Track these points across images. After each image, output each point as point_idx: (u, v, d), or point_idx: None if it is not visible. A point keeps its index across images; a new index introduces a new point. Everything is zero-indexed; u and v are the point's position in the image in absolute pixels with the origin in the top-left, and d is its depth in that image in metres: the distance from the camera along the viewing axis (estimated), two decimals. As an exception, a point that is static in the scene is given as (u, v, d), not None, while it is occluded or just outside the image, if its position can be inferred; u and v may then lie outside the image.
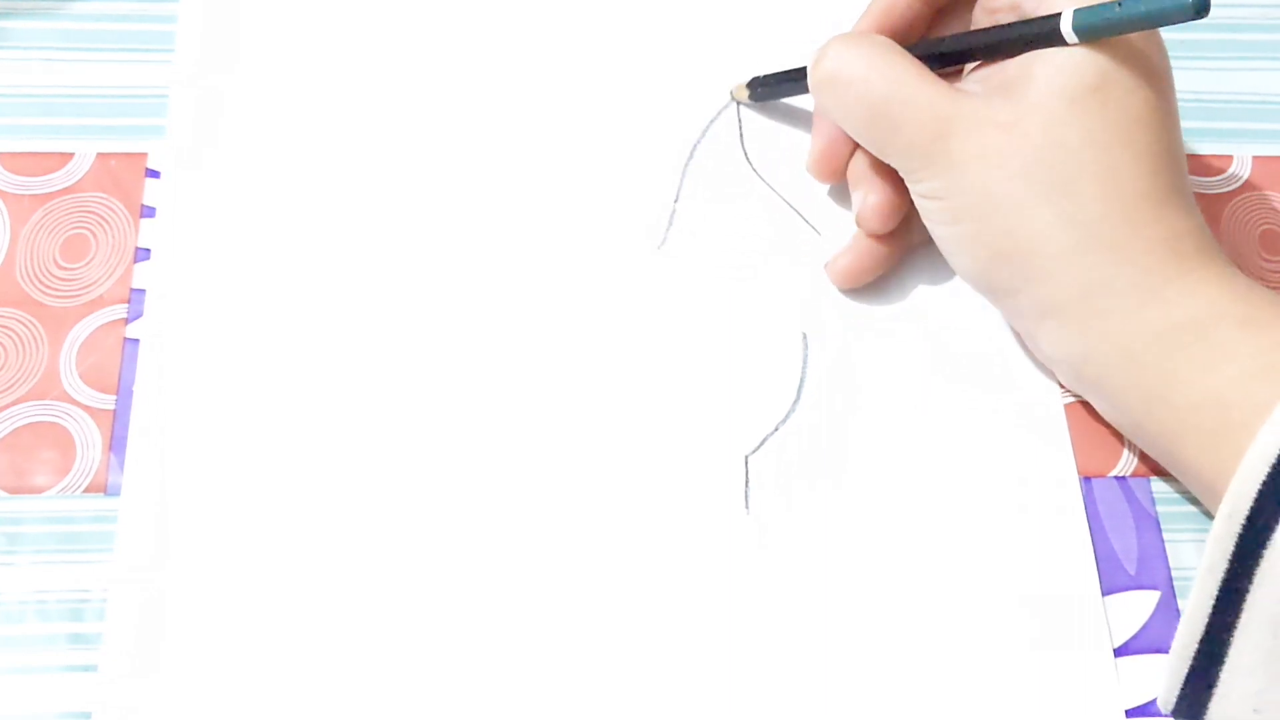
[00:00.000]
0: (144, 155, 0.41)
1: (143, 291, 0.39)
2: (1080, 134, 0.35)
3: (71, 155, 0.41)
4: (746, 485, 0.38)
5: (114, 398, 0.38)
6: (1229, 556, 0.32)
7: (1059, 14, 0.35)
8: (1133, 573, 0.38)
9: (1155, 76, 0.36)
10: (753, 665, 0.36)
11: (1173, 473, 0.38)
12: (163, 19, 0.44)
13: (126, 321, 0.39)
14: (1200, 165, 0.44)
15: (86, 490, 0.37)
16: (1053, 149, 0.35)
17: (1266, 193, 0.44)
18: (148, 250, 0.40)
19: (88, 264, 0.40)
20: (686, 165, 0.43)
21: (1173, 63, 0.37)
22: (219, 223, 0.41)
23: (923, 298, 0.41)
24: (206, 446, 0.37)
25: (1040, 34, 0.36)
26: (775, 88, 0.43)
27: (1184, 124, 0.38)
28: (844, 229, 0.42)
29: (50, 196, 0.41)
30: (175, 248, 0.40)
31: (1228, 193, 0.44)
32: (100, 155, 0.41)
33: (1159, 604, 0.37)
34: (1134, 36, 0.35)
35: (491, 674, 0.35)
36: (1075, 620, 0.37)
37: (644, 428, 0.39)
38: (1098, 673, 0.36)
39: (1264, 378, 0.33)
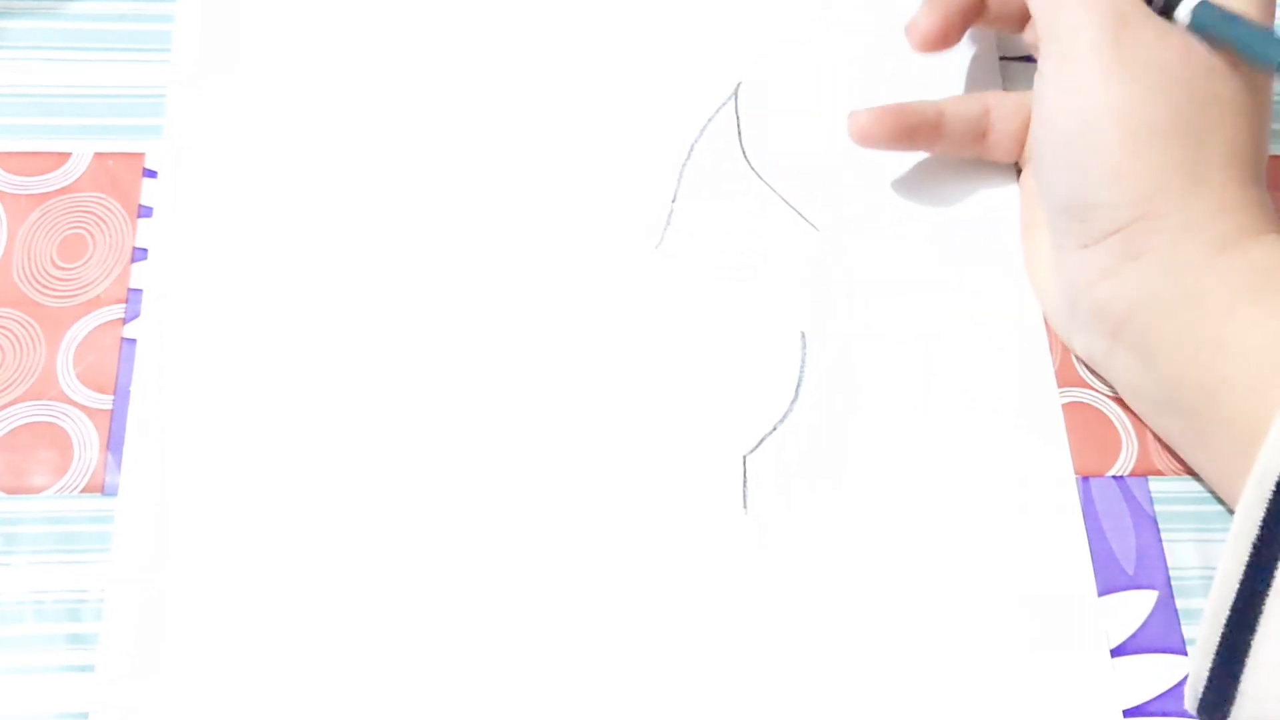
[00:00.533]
0: (141, 155, 0.41)
1: (140, 291, 0.39)
2: (1228, 90, 0.36)
3: (69, 155, 0.41)
4: (745, 485, 0.38)
5: (111, 398, 0.38)
6: (1259, 522, 0.32)
7: None
8: (1131, 573, 0.38)
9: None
10: (752, 665, 0.36)
11: (1195, 444, 0.37)
12: (160, 19, 0.44)
13: (124, 321, 0.39)
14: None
15: (84, 490, 0.37)
16: (1206, 93, 0.36)
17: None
18: (145, 250, 0.40)
19: (85, 264, 0.40)
20: (684, 164, 0.43)
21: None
22: (216, 223, 0.41)
23: (922, 296, 0.41)
24: (204, 446, 0.37)
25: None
26: None
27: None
28: (843, 227, 0.42)
29: (47, 196, 0.41)
30: (173, 248, 0.40)
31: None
32: (98, 155, 0.41)
33: (1157, 604, 0.37)
34: None
35: (491, 673, 0.35)
36: (1072, 620, 0.37)
37: (642, 427, 0.39)
38: (1094, 673, 0.36)
39: None
